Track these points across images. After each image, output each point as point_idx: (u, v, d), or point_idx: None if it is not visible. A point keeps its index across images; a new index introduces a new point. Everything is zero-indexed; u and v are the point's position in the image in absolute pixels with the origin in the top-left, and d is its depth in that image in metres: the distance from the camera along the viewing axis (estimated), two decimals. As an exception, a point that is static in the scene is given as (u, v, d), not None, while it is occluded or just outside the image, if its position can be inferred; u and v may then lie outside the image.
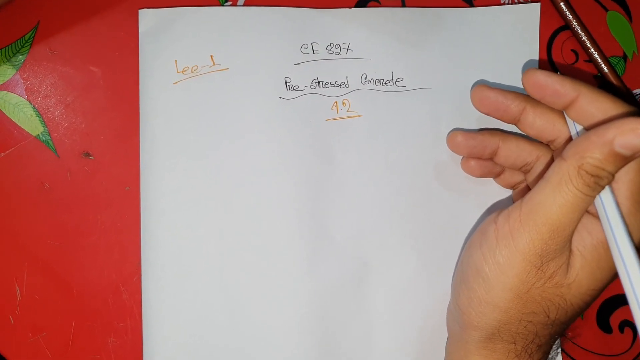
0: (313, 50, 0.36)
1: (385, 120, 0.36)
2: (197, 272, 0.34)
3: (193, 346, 0.34)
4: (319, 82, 0.35)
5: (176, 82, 0.35)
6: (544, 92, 0.30)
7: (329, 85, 0.36)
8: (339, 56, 0.36)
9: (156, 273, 0.34)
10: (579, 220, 0.28)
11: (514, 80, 0.37)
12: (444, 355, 0.34)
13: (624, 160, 0.27)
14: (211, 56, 0.35)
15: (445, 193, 0.36)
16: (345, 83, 0.36)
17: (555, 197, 0.28)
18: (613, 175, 0.27)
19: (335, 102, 0.36)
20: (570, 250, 0.29)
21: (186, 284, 0.34)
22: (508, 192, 0.36)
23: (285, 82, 0.35)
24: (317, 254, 0.34)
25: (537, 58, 0.37)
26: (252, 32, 0.35)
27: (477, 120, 0.36)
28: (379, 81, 0.36)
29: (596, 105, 0.29)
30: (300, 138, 0.35)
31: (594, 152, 0.27)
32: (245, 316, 0.34)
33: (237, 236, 0.34)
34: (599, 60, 0.37)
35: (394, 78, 0.36)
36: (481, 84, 0.33)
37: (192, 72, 0.35)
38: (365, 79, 0.36)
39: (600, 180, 0.27)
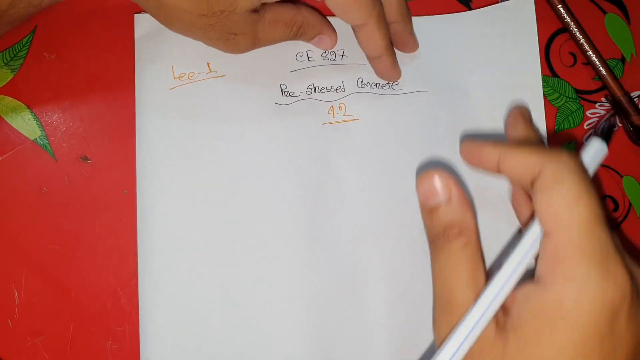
0: (308, 57, 0.36)
1: (382, 123, 0.36)
2: (194, 276, 0.34)
3: (190, 350, 0.33)
4: (314, 87, 0.35)
5: (173, 88, 0.35)
6: (475, 159, 0.30)
7: (325, 90, 0.36)
8: (334, 62, 0.36)
9: (153, 277, 0.34)
10: (468, 280, 0.26)
11: (512, 79, 0.36)
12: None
13: (432, 212, 0.28)
14: (207, 63, 0.35)
15: None
16: (341, 87, 0.36)
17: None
18: (457, 227, 0.27)
19: (332, 106, 0.36)
20: None
21: (183, 288, 0.34)
22: (507, 193, 0.36)
23: (281, 89, 0.35)
24: (315, 257, 0.34)
25: (537, 55, 0.37)
26: None
27: (475, 123, 0.36)
28: (375, 85, 0.36)
29: (517, 161, 0.27)
30: (297, 142, 0.35)
31: (423, 216, 0.29)
32: (242, 320, 0.34)
33: (234, 240, 0.34)
34: (597, 63, 0.37)
35: (390, 82, 0.36)
36: (465, 140, 0.31)
37: (188, 78, 0.35)
38: (361, 82, 0.36)
39: (443, 236, 0.27)
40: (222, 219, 0.34)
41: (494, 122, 0.36)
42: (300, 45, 0.36)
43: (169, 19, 0.30)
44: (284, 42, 0.35)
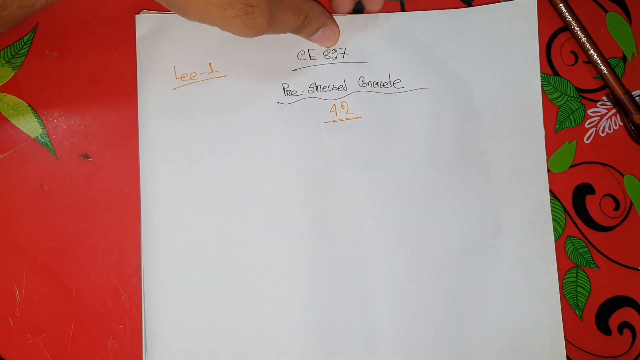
0: (310, 56, 0.36)
1: (384, 122, 0.36)
2: (198, 274, 0.34)
3: (194, 348, 0.33)
4: (316, 86, 0.36)
5: (175, 88, 0.35)
6: None
7: (327, 89, 0.36)
8: (335, 61, 0.36)
9: (157, 275, 0.34)
10: None
11: (513, 77, 0.37)
12: (448, 354, 0.35)
13: None
14: (209, 63, 0.35)
15: (447, 193, 0.36)
16: (344, 86, 0.36)
17: None
18: None
19: (334, 104, 0.36)
20: None
21: (187, 286, 0.34)
22: (510, 193, 0.36)
23: (283, 88, 0.35)
24: (318, 255, 0.34)
25: (537, 54, 0.37)
26: (249, 39, 0.35)
27: (476, 118, 0.36)
28: (377, 83, 0.36)
29: None
30: (300, 141, 0.35)
31: None
32: (246, 319, 0.34)
33: (237, 239, 0.34)
34: (599, 61, 0.37)
35: (392, 80, 0.36)
36: None
37: (190, 78, 0.35)
38: (362, 81, 0.36)
39: None
40: (225, 218, 0.34)
41: (496, 118, 0.36)
42: (302, 44, 0.35)
43: (185, 2, 0.30)
44: (284, 40, 0.35)
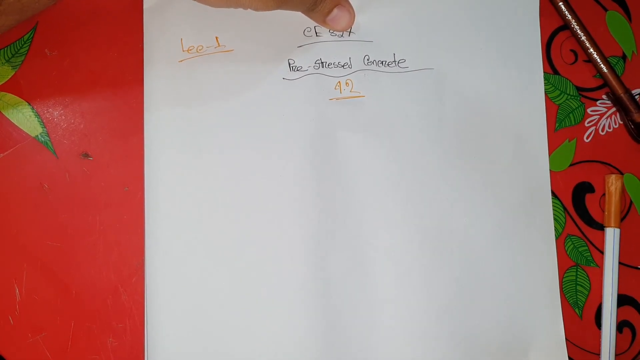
0: (316, 32, 0.36)
1: (388, 101, 0.36)
2: (201, 268, 0.34)
3: (196, 347, 0.33)
4: (322, 62, 0.36)
5: (181, 60, 0.35)
6: None
7: (332, 65, 0.36)
8: (341, 38, 0.36)
9: (160, 272, 0.33)
10: None
11: (517, 59, 0.37)
12: (449, 341, 0.35)
13: None
14: (216, 37, 0.35)
15: (451, 172, 0.36)
16: (349, 64, 0.36)
17: None
18: None
19: (339, 82, 0.36)
20: None
21: (190, 283, 0.33)
22: (515, 168, 0.36)
23: (289, 64, 0.35)
24: (322, 237, 0.34)
25: (539, 37, 0.37)
26: (256, 15, 0.35)
27: (480, 99, 0.37)
28: (382, 62, 0.36)
29: None
30: (305, 117, 0.35)
31: None
32: (250, 318, 0.34)
33: (241, 213, 0.34)
34: (598, 60, 0.37)
35: (396, 59, 0.36)
36: None
37: (197, 51, 0.35)
38: (368, 60, 0.36)
39: None
40: (228, 192, 0.34)
41: (499, 99, 0.37)
42: (308, 21, 0.35)
43: None
44: (290, 17, 0.35)
